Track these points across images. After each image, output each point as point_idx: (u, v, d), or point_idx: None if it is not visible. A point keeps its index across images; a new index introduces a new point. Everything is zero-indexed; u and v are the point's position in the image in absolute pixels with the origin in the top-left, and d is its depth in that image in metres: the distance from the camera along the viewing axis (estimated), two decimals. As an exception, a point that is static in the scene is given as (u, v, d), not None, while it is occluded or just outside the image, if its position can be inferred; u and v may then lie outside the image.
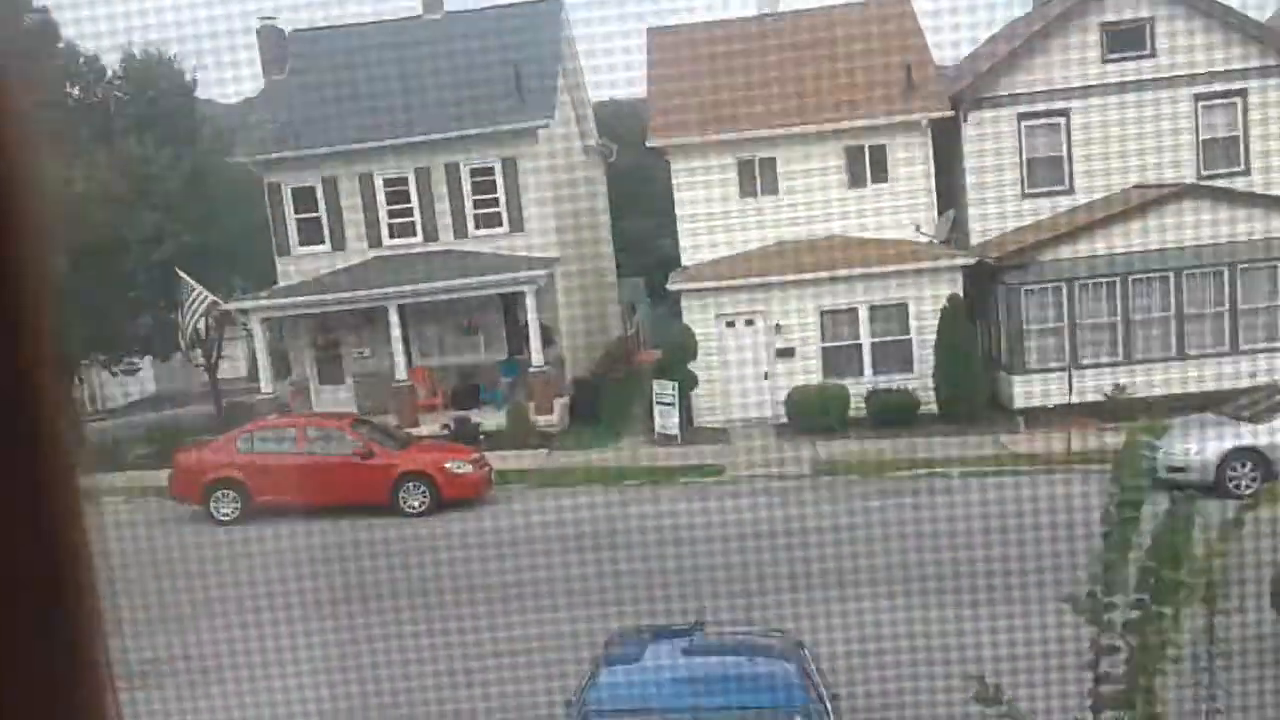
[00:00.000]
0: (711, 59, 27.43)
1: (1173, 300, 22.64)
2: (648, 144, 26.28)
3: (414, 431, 23.52)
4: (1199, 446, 17.45)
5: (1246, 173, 24.17)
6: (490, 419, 24.71)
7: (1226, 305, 22.61)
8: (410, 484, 19.60)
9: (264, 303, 26.07)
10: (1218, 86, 24.29)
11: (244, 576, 16.09)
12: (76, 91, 28.80)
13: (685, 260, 25.59)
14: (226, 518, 19.76)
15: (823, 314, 24.13)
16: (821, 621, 12.24)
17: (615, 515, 18.33)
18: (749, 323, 24.46)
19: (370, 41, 29.00)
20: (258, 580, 15.80)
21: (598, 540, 16.70)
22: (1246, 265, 22.48)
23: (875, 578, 13.73)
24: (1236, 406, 18.98)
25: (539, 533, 17.45)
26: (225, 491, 19.88)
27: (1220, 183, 23.33)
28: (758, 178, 25.48)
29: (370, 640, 13.16)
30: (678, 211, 25.82)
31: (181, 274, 25.57)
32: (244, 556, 17.13)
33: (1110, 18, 24.41)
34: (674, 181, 25.86)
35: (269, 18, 29.29)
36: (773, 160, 25.38)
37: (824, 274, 23.81)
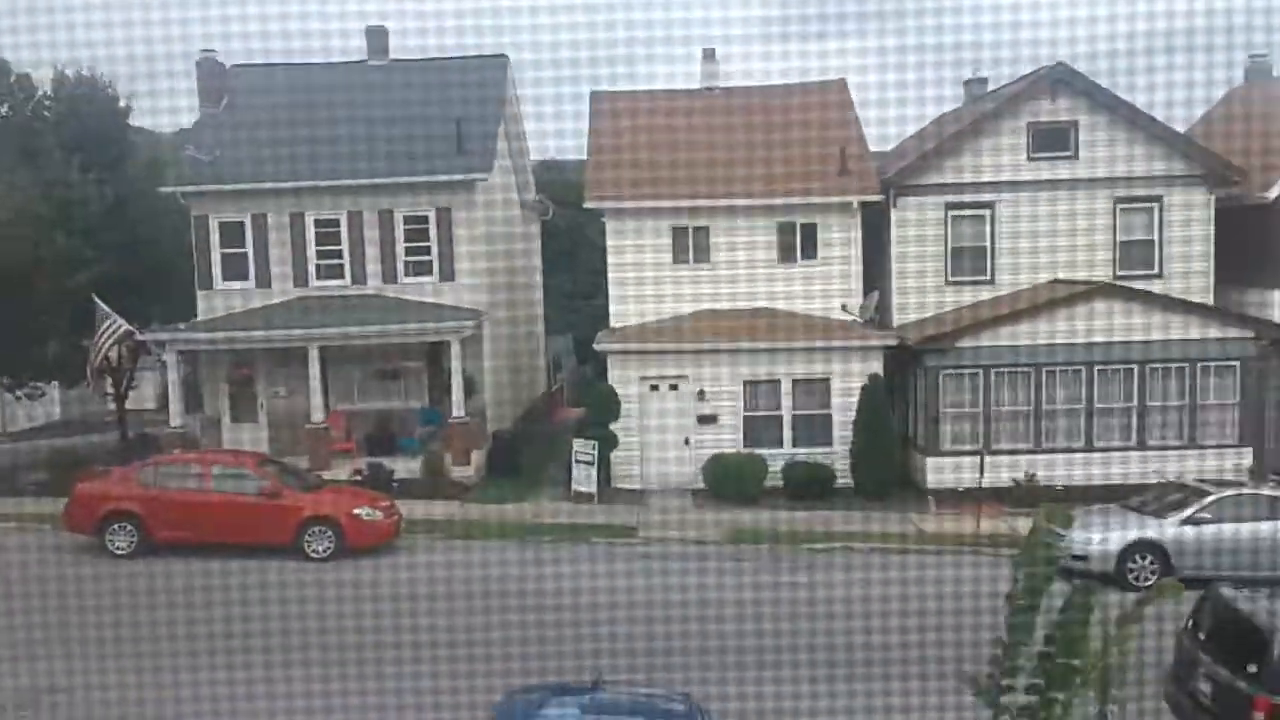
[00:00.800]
0: (652, 126, 27.80)
1: (1084, 393, 23.24)
2: (584, 204, 26.42)
3: (326, 475, 23.05)
4: (1102, 537, 17.81)
5: (1161, 276, 25.03)
6: (405, 467, 24.33)
7: (1135, 402, 23.27)
8: (316, 528, 19.11)
9: (181, 335, 25.50)
10: (1136, 191, 25.21)
11: (131, 613, 15.51)
12: (4, 109, 28.14)
13: (614, 321, 25.64)
14: (121, 551, 19.07)
15: (746, 384, 24.30)
16: (719, 690, 12.14)
17: (523, 572, 18.09)
18: (673, 387, 24.53)
19: (312, 81, 28.88)
20: (144, 618, 15.25)
21: (503, 596, 16.44)
22: (1156, 365, 23.19)
23: (776, 649, 13.68)
24: (1140, 500, 19.43)
25: (443, 586, 17.11)
26: (122, 524, 19.18)
27: (1135, 284, 24.12)
28: (690, 246, 25.73)
29: (254, 688, 12.72)
30: (610, 273, 25.92)
31: (98, 301, 24.94)
32: (133, 592, 16.50)
33: (1037, 118, 25.27)
34: (608, 243, 26.00)
35: (210, 50, 29.03)
36: (706, 230, 25.67)
37: (750, 344, 24.05)
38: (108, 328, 24.91)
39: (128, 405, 30.76)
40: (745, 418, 24.33)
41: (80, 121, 28.45)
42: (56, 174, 26.79)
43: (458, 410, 24.95)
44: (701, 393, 24.34)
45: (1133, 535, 17.91)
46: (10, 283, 25.06)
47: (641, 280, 25.62)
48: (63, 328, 27.22)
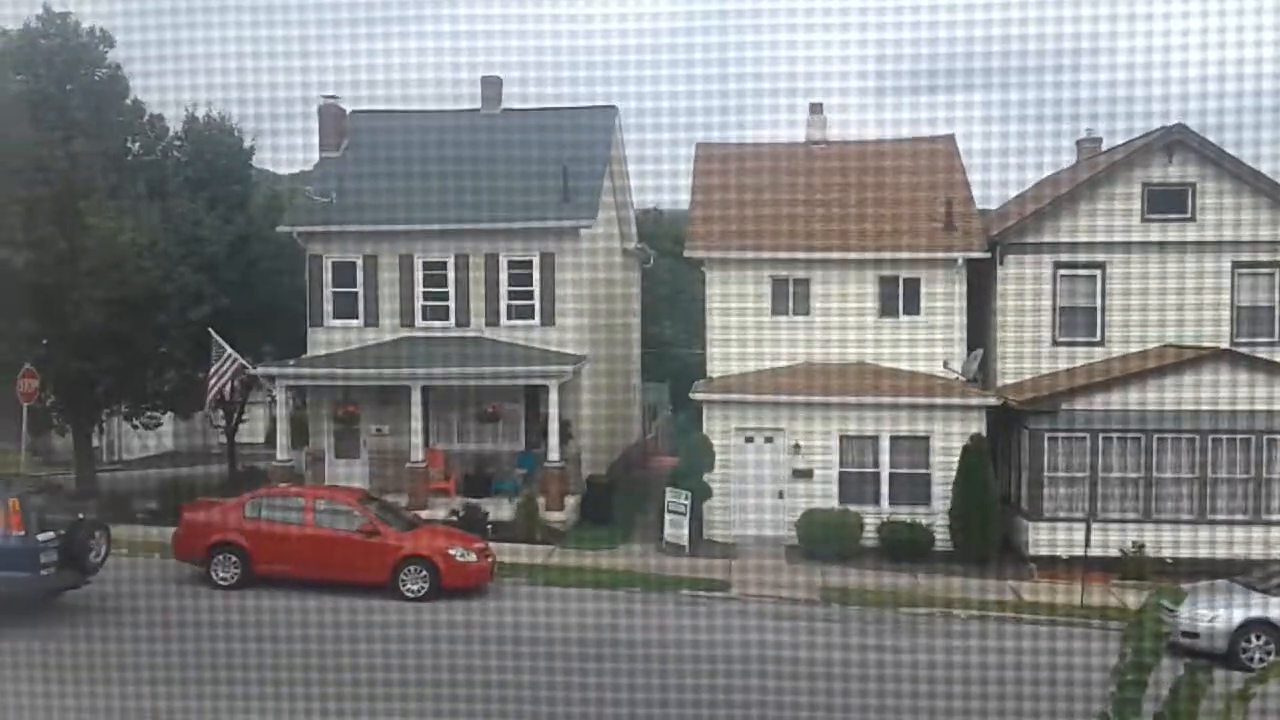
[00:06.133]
0: (756, 178, 27.91)
1: (1197, 462, 22.41)
2: (685, 254, 26.59)
3: (423, 514, 23.39)
4: (1215, 614, 17.07)
5: (1280, 343, 24.14)
6: (500, 509, 24.57)
7: (1252, 473, 22.35)
8: (412, 567, 19.33)
9: (291, 371, 26.27)
10: (1256, 256, 24.42)
11: (233, 645, 15.87)
12: (137, 147, 29.57)
13: (711, 371, 25.64)
14: (224, 582, 19.53)
15: (844, 439, 24.01)
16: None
17: (613, 622, 18.02)
18: (769, 440, 24.37)
19: (427, 128, 29.73)
20: (249, 651, 15.57)
21: (590, 647, 16.37)
22: (1275, 435, 22.27)
23: (863, 714, 13.36)
24: (1256, 576, 18.60)
25: (533, 633, 17.14)
26: (227, 555, 19.68)
27: (1254, 350, 23.26)
28: (791, 297, 25.66)
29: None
30: (708, 322, 25.98)
31: (215, 334, 25.88)
32: (236, 624, 16.88)
33: (1153, 179, 24.69)
34: (707, 292, 26.08)
35: (331, 95, 30.09)
36: (807, 282, 25.59)
37: (849, 399, 23.78)
38: (223, 361, 25.82)
39: (237, 438, 31.75)
40: (841, 474, 24.01)
41: (207, 161, 29.77)
42: (183, 211, 27.99)
43: (553, 454, 25.15)
44: (797, 446, 24.12)
45: (1248, 613, 17.10)
46: (136, 314, 26.18)
47: (740, 330, 25.61)
48: (181, 360, 28.31)
